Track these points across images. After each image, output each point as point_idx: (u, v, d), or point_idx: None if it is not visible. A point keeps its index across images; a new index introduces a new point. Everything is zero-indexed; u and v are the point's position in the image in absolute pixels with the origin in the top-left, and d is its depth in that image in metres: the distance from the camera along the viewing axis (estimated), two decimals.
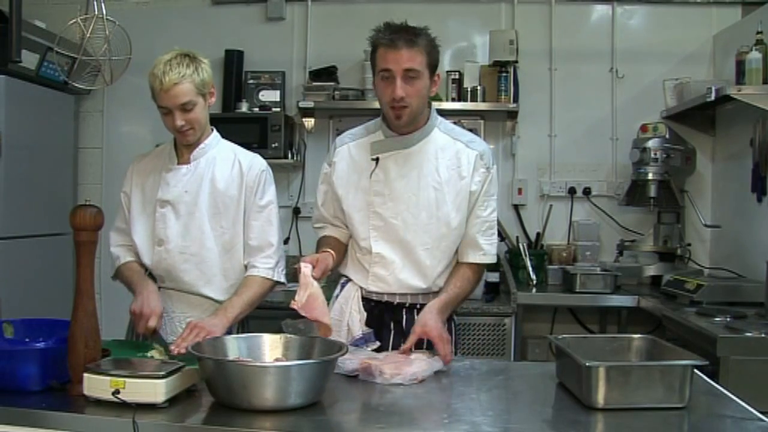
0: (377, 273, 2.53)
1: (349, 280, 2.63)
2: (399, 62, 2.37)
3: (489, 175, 2.53)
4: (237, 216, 2.63)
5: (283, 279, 2.69)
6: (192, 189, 2.61)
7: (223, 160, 2.66)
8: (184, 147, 2.65)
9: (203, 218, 2.60)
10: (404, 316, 2.56)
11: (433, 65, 2.45)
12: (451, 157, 2.51)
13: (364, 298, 2.57)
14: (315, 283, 2.27)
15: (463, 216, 2.51)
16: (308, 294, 2.23)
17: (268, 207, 2.67)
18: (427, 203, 2.48)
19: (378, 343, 2.48)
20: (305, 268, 2.27)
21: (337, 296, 2.63)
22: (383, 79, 2.41)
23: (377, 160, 2.52)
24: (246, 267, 2.66)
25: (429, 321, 2.35)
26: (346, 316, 2.56)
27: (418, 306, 2.54)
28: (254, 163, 2.68)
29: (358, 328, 2.52)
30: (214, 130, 2.72)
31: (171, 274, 2.61)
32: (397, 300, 2.56)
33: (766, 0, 4.02)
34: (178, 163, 2.65)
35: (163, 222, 2.60)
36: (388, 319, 2.57)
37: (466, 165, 2.50)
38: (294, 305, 2.24)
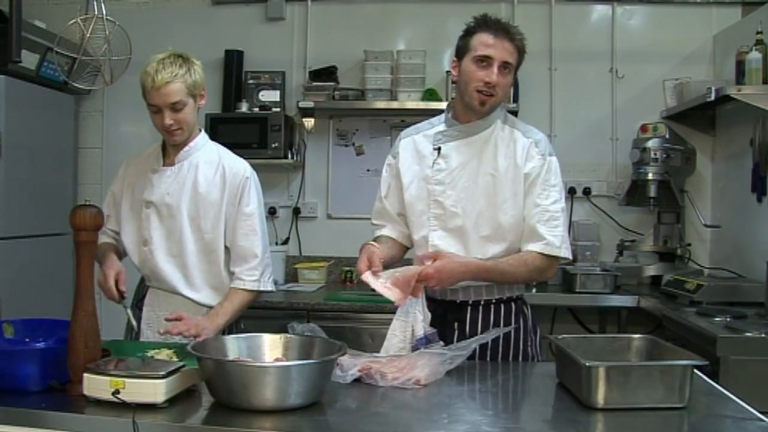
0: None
1: None
2: (501, 52, 2.40)
3: (545, 162, 2.49)
4: (217, 220, 2.63)
5: (269, 287, 2.70)
6: (174, 191, 2.63)
7: (207, 163, 2.66)
8: (171, 148, 2.66)
9: (184, 221, 2.62)
10: (468, 314, 2.53)
11: (518, 67, 2.51)
12: (508, 145, 2.50)
13: (428, 298, 2.47)
14: (382, 278, 2.31)
15: (520, 204, 2.48)
16: (386, 288, 2.30)
17: (253, 215, 2.66)
18: (485, 191, 2.47)
19: (441, 343, 2.38)
20: (367, 278, 2.32)
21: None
22: (477, 63, 2.42)
23: (439, 149, 2.53)
24: (231, 274, 2.66)
25: (446, 258, 2.37)
26: (411, 318, 2.45)
27: (482, 302, 2.52)
28: (238, 169, 2.67)
29: (421, 328, 2.41)
30: (202, 131, 2.72)
31: (156, 274, 2.64)
32: (459, 297, 2.52)
33: (766, 0, 4.02)
34: (164, 165, 2.67)
35: (148, 223, 2.64)
36: (451, 319, 2.53)
37: (521, 152, 2.49)
38: (398, 304, 2.32)
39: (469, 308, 2.53)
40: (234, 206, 2.63)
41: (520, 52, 2.46)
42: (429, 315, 2.43)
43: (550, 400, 2.01)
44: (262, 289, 2.67)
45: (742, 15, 4.46)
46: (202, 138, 2.71)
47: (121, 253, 2.74)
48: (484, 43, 2.41)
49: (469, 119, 2.51)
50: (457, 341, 2.44)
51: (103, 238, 2.72)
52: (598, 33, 4.68)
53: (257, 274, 2.65)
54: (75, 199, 4.74)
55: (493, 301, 2.52)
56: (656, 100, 4.60)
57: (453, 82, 2.78)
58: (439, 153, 2.53)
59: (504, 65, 2.41)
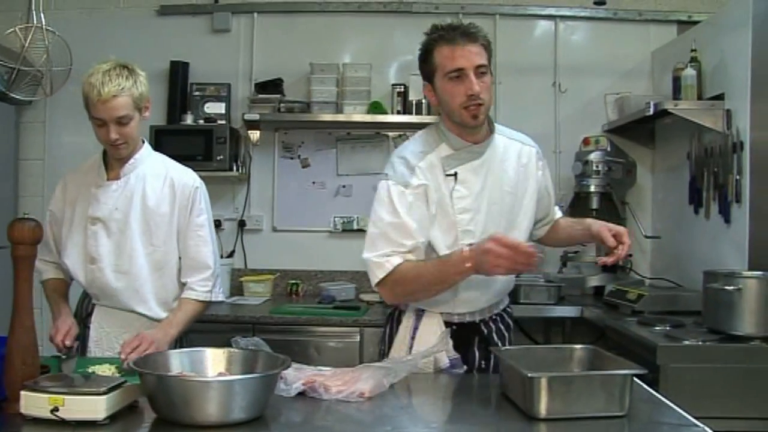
0: (467, 297, 2.43)
1: (423, 310, 2.48)
2: (470, 58, 2.26)
3: (545, 164, 2.65)
4: (169, 234, 2.59)
5: (221, 298, 2.69)
6: (122, 206, 2.56)
7: (154, 175, 2.61)
8: (114, 161, 2.59)
9: (134, 236, 2.56)
10: (491, 327, 2.55)
11: (491, 61, 2.37)
12: (514, 158, 2.48)
13: (445, 323, 2.45)
14: None
15: (531, 218, 2.54)
16: None
17: (204, 225, 2.64)
18: (507, 210, 2.44)
19: (465, 368, 2.42)
20: None
21: (417, 328, 2.46)
22: (452, 80, 2.29)
23: (455, 175, 2.37)
24: (183, 285, 2.63)
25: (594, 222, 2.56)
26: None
27: (495, 312, 2.58)
28: (187, 179, 2.64)
29: (445, 356, 2.40)
30: (146, 143, 2.67)
31: (105, 292, 2.57)
32: (486, 315, 2.54)
33: (699, 20, 4.15)
34: (108, 179, 2.60)
35: (95, 240, 2.56)
36: (473, 338, 2.51)
37: (529, 164, 2.52)
38: None
39: (489, 322, 2.56)
40: (185, 217, 2.59)
41: (487, 47, 2.34)
42: (451, 342, 2.42)
43: (494, 412, 2.03)
44: (213, 299, 2.65)
45: (677, 33, 4.60)
46: (146, 149, 2.65)
47: (68, 287, 2.69)
48: (449, 56, 2.28)
49: (472, 137, 2.40)
50: (479, 362, 2.50)
51: (50, 272, 2.67)
52: (541, 48, 4.77)
53: (209, 285, 2.63)
54: (15, 212, 4.61)
55: (496, 314, 2.58)
56: (598, 113, 4.69)
57: (427, 105, 2.63)
58: (456, 179, 2.37)
59: (478, 69, 2.29)
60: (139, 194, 2.57)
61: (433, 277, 2.26)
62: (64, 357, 2.38)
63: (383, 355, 2.56)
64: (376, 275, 2.29)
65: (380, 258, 2.28)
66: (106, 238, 2.56)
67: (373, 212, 2.35)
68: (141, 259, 2.57)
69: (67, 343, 2.44)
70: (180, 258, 2.64)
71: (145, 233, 2.57)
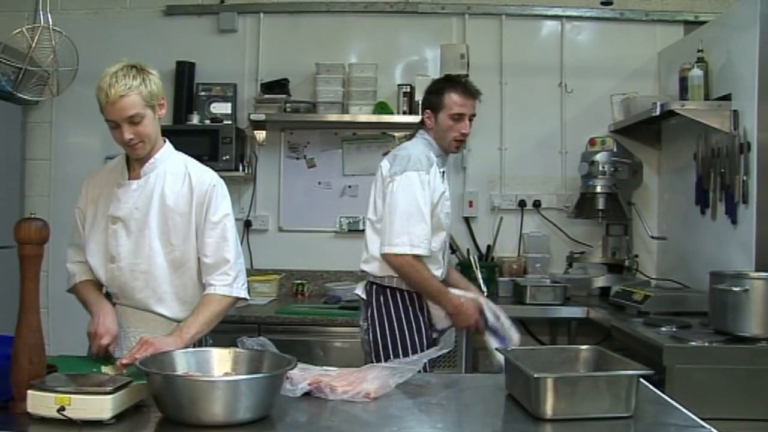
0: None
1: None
2: (470, 109, 3.20)
3: None
4: (188, 233, 2.57)
5: (243, 294, 2.60)
6: (142, 205, 2.55)
7: (173, 174, 2.60)
8: (135, 161, 2.58)
9: (153, 235, 2.54)
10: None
11: None
12: None
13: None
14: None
15: None
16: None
17: (222, 222, 2.58)
18: None
19: None
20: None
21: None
22: (453, 119, 3.16)
23: (444, 173, 3.24)
24: (204, 286, 2.60)
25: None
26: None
27: None
28: (204, 178, 2.61)
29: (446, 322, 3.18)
30: (167, 142, 2.65)
31: (124, 291, 2.56)
32: None
33: (706, 20, 4.14)
34: (129, 178, 2.59)
35: (115, 239, 2.54)
36: None
37: None
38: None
39: None
40: (202, 216, 2.57)
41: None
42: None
43: (500, 412, 2.03)
44: (235, 294, 2.57)
45: (684, 33, 4.59)
46: (167, 149, 2.63)
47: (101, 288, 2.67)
48: (458, 103, 3.17)
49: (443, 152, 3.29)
50: None
51: (83, 274, 2.64)
52: (548, 48, 4.76)
53: (229, 279, 2.56)
54: (22, 211, 4.63)
55: None
56: (604, 114, 4.69)
57: (420, 124, 3.34)
58: (443, 176, 3.23)
59: (473, 116, 3.23)
60: (159, 193, 2.56)
61: (430, 291, 3.10)
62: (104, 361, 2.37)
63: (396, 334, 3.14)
64: (407, 249, 3.00)
65: (416, 238, 3.01)
66: (126, 238, 2.55)
67: (408, 195, 3.04)
68: (159, 258, 2.55)
69: (104, 342, 2.41)
70: (199, 257, 2.62)
71: (164, 232, 2.55)
